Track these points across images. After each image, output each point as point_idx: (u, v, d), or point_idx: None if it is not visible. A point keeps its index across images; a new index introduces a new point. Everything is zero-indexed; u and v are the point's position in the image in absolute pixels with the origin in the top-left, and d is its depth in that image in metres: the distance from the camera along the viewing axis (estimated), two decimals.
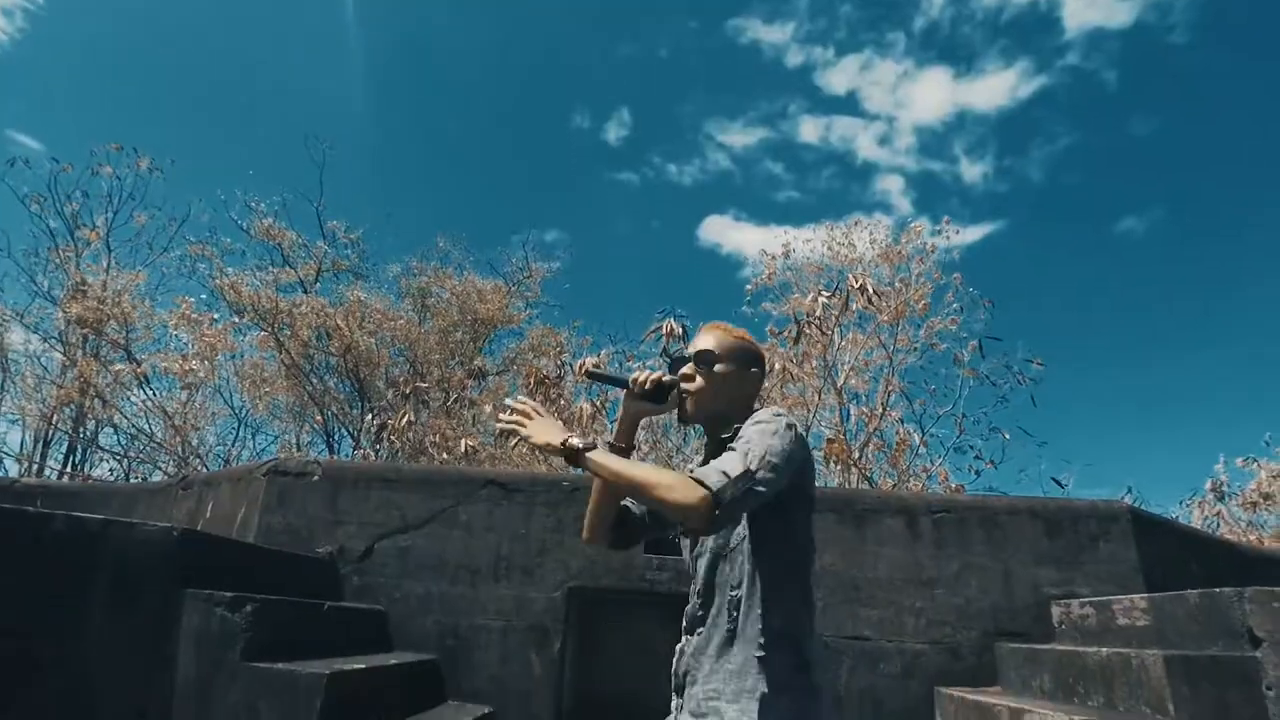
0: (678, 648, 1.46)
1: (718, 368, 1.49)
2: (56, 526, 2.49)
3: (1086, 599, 3.27)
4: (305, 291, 10.29)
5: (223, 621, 2.59)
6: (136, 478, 8.98)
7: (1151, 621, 2.85)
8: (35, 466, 9.83)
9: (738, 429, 1.38)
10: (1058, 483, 7.21)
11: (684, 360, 1.53)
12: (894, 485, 6.55)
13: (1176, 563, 3.80)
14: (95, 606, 2.44)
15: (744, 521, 1.36)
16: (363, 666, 2.86)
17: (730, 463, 1.24)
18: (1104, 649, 2.67)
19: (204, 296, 9.98)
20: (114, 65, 20.87)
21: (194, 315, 9.08)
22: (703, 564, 1.43)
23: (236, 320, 9.59)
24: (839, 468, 6.33)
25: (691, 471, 1.25)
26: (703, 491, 1.18)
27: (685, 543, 1.53)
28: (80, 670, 2.37)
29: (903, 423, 7.04)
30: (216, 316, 9.41)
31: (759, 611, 1.32)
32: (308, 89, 22.98)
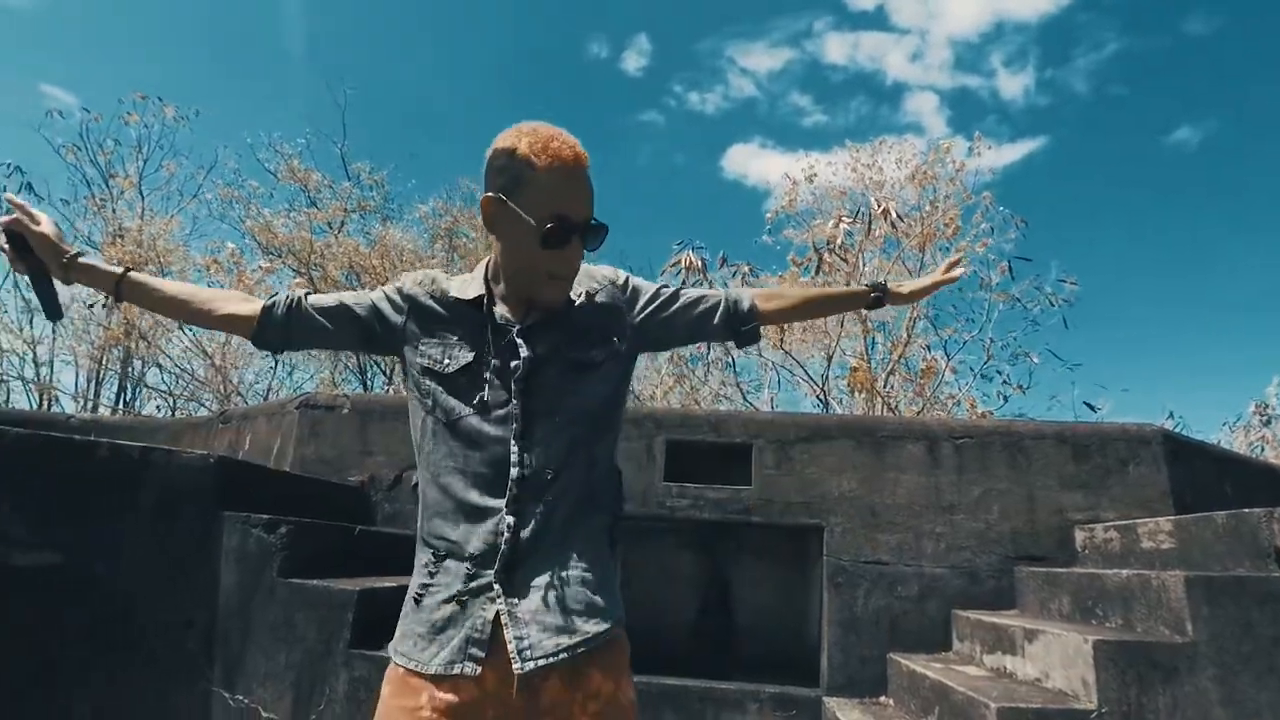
0: (508, 526, 1.06)
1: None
2: (101, 453, 2.62)
3: (1110, 523, 3.24)
4: (335, 232, 10.37)
5: (259, 541, 2.71)
6: (182, 414, 9.35)
7: (1176, 544, 2.82)
8: (90, 404, 10.29)
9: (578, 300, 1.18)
10: (1091, 407, 7.08)
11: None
12: (919, 412, 6.48)
13: (1210, 487, 3.73)
14: (140, 527, 2.58)
15: (604, 371, 1.18)
16: (393, 585, 2.99)
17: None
18: (1124, 571, 2.65)
19: (245, 241, 10.15)
20: (135, 15, 20.77)
21: (236, 259, 9.27)
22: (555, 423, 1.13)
23: (270, 264, 9.74)
24: (863, 396, 6.28)
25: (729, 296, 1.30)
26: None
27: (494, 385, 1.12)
28: (129, 584, 2.53)
29: (929, 350, 6.91)
30: (261, 264, 9.57)
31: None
32: (323, 29, 22.65)
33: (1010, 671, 2.71)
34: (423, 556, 1.12)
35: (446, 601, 1.06)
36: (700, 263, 6.24)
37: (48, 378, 9.91)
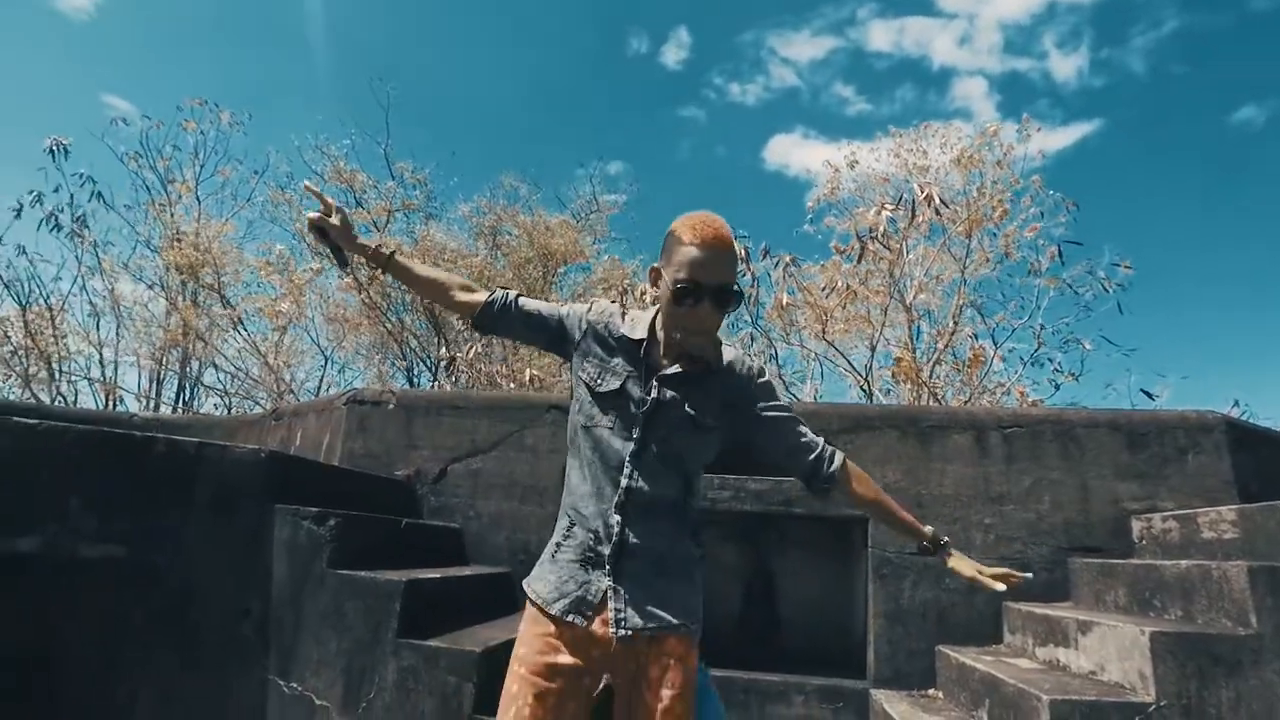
0: (616, 522, 1.39)
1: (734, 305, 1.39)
2: (159, 448, 2.73)
3: (1169, 513, 3.12)
4: (379, 232, 10.58)
5: (309, 533, 2.79)
6: (238, 412, 9.68)
7: (1240, 534, 2.70)
8: (151, 403, 10.73)
9: (705, 362, 1.44)
10: (1148, 395, 6.75)
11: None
12: (966, 402, 6.32)
13: (1278, 475, 3.56)
14: (196, 519, 2.68)
15: (710, 437, 1.46)
16: (438, 575, 3.04)
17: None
18: (1184, 561, 2.55)
19: (293, 242, 10.47)
20: (185, 21, 21.48)
21: (285, 259, 9.58)
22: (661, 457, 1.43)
23: (319, 266, 10.01)
24: (908, 387, 6.13)
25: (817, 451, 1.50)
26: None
27: (615, 436, 1.43)
28: (188, 575, 2.63)
29: (976, 339, 6.71)
30: (310, 266, 9.86)
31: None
32: (363, 27, 23.08)
33: (1064, 664, 2.63)
34: (563, 521, 1.46)
35: (574, 560, 1.40)
36: (743, 251, 6.17)
37: (112, 378, 10.38)
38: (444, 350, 8.48)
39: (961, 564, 1.51)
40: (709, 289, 1.31)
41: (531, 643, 1.39)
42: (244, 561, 2.75)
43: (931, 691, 3.15)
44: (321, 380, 11.06)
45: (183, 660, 2.60)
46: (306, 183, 1.64)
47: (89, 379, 10.40)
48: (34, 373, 9.92)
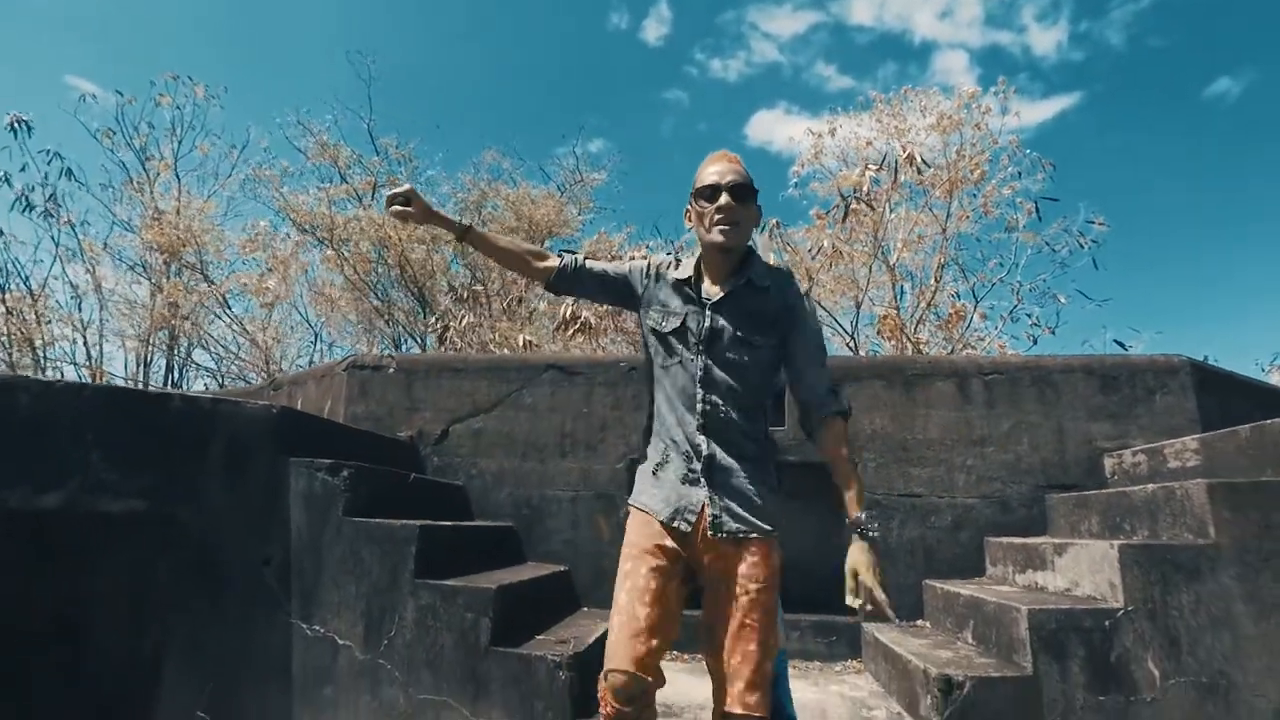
0: (701, 442, 1.57)
1: (752, 204, 1.60)
2: (175, 404, 2.82)
3: (1139, 447, 3.32)
4: (362, 204, 10.54)
5: (324, 484, 2.90)
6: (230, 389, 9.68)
7: (1202, 460, 2.89)
8: (141, 385, 10.69)
9: (751, 276, 1.61)
10: (1121, 346, 7.01)
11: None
12: (948, 354, 6.54)
13: (1238, 413, 3.76)
14: (214, 472, 2.77)
15: (761, 354, 1.61)
16: (450, 524, 3.17)
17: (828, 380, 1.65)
18: (1150, 485, 2.74)
19: (271, 219, 10.40)
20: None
21: (265, 235, 9.54)
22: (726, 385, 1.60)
23: (300, 239, 9.98)
24: (893, 343, 6.31)
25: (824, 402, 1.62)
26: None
27: (687, 356, 1.60)
28: (209, 527, 2.73)
29: (957, 297, 6.91)
30: (288, 235, 9.82)
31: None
32: (339, 8, 22.66)
33: (1041, 586, 2.82)
34: (659, 444, 1.64)
35: (675, 479, 1.58)
36: None
37: (98, 361, 10.31)
38: (433, 320, 8.53)
39: (855, 557, 1.49)
40: (725, 186, 1.56)
41: (640, 530, 1.58)
42: (262, 512, 2.85)
43: (919, 622, 3.34)
44: (312, 358, 11.09)
45: (208, 609, 2.70)
46: (389, 193, 1.74)
47: (74, 363, 10.34)
48: (17, 359, 9.84)
